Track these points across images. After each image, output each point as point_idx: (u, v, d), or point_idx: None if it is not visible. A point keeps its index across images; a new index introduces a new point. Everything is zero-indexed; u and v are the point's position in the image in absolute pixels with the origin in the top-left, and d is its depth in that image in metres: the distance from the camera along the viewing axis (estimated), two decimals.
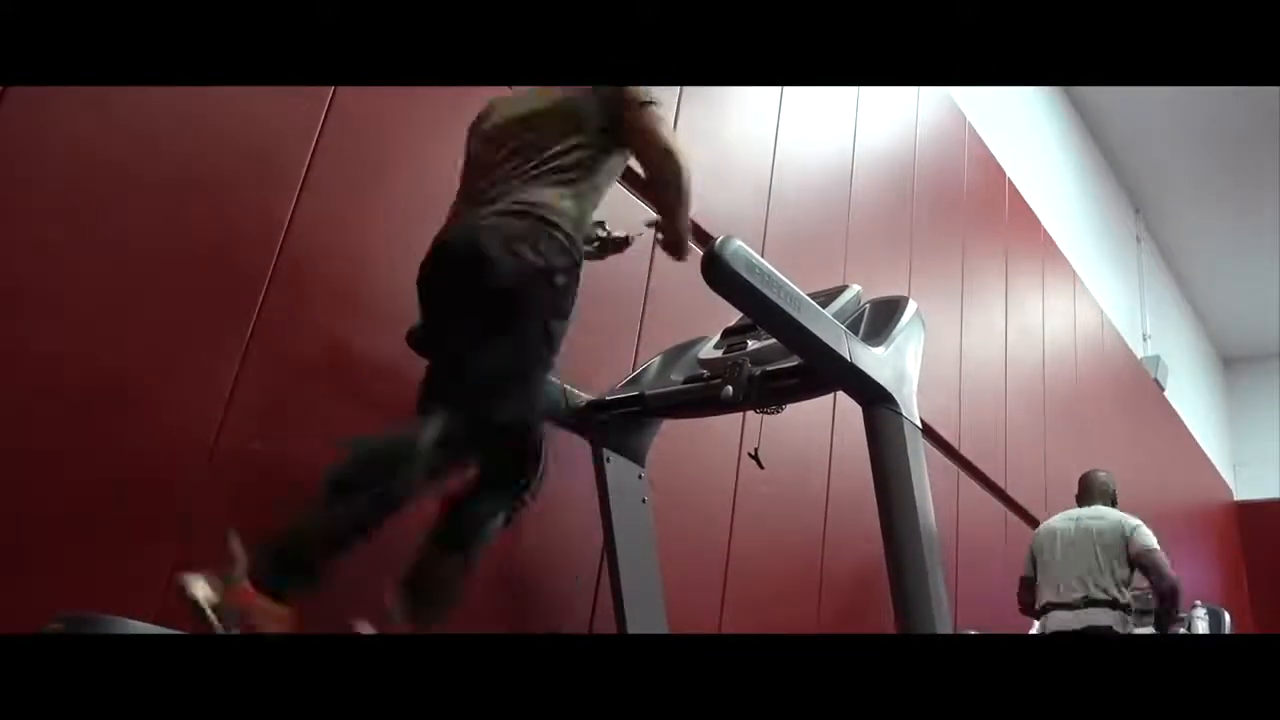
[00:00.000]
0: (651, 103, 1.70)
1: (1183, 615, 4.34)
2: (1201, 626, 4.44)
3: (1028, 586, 3.45)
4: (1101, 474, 3.63)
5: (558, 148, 1.68)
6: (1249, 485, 8.70)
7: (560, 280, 1.61)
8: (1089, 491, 3.57)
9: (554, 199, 1.64)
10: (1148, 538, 3.24)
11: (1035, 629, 3.32)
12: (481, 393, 1.57)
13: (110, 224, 1.55)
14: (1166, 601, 3.19)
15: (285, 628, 1.29)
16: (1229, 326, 9.15)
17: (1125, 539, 3.23)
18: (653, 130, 1.69)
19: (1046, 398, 4.80)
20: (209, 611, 1.23)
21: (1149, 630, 3.99)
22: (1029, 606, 3.44)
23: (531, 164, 1.67)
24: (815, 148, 3.34)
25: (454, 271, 1.62)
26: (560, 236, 1.62)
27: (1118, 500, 3.54)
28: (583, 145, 1.70)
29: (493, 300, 1.58)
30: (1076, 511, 3.49)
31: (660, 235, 1.81)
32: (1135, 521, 3.30)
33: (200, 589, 1.24)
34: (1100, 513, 3.40)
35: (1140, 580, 3.27)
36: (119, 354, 1.53)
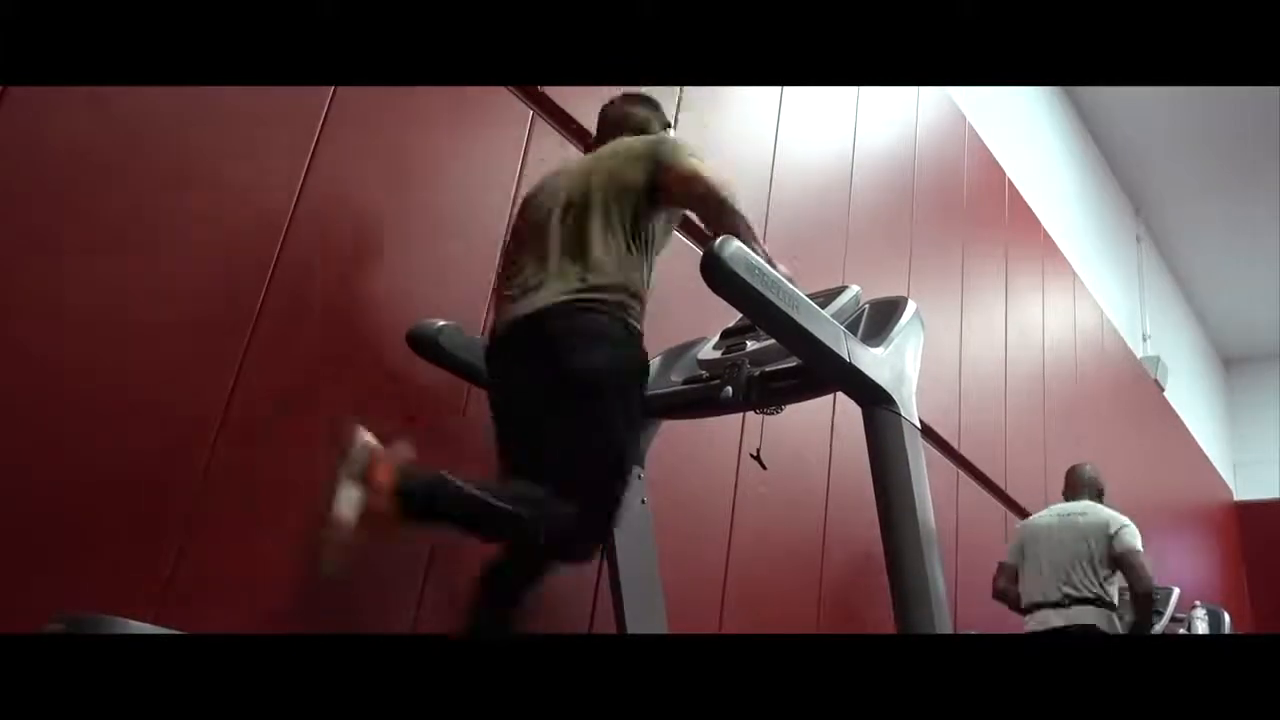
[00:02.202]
0: (692, 158, 1.69)
1: (1181, 617, 4.35)
2: (1201, 627, 4.44)
3: (1005, 572, 3.43)
4: (1088, 467, 3.60)
5: (613, 221, 1.68)
6: (1249, 485, 8.70)
7: (636, 367, 1.65)
8: (1075, 486, 3.54)
9: (617, 274, 1.65)
10: (1133, 538, 3.22)
11: (1026, 627, 3.31)
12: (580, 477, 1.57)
13: (110, 224, 1.55)
14: (1141, 604, 3.18)
15: (378, 526, 1.33)
16: (1229, 326, 9.16)
17: (1110, 537, 3.22)
18: (701, 191, 1.67)
19: (1046, 398, 4.80)
20: (358, 450, 1.31)
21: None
22: (1003, 593, 3.42)
23: (589, 240, 1.67)
24: (815, 148, 3.35)
25: (528, 355, 1.63)
26: (632, 318, 1.65)
27: (1104, 493, 3.51)
28: (634, 214, 1.69)
29: (577, 388, 1.58)
30: (1064, 507, 3.46)
31: None
32: (1122, 519, 3.29)
33: (366, 437, 1.33)
34: (1087, 508, 3.38)
35: (1123, 580, 3.27)
36: (119, 354, 1.53)
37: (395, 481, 1.34)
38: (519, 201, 1.92)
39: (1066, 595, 3.16)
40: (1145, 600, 3.18)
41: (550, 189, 1.81)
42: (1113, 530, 3.23)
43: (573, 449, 1.58)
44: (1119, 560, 3.19)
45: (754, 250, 1.58)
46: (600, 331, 1.60)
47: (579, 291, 1.61)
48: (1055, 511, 3.45)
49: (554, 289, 1.63)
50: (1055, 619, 3.15)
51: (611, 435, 1.60)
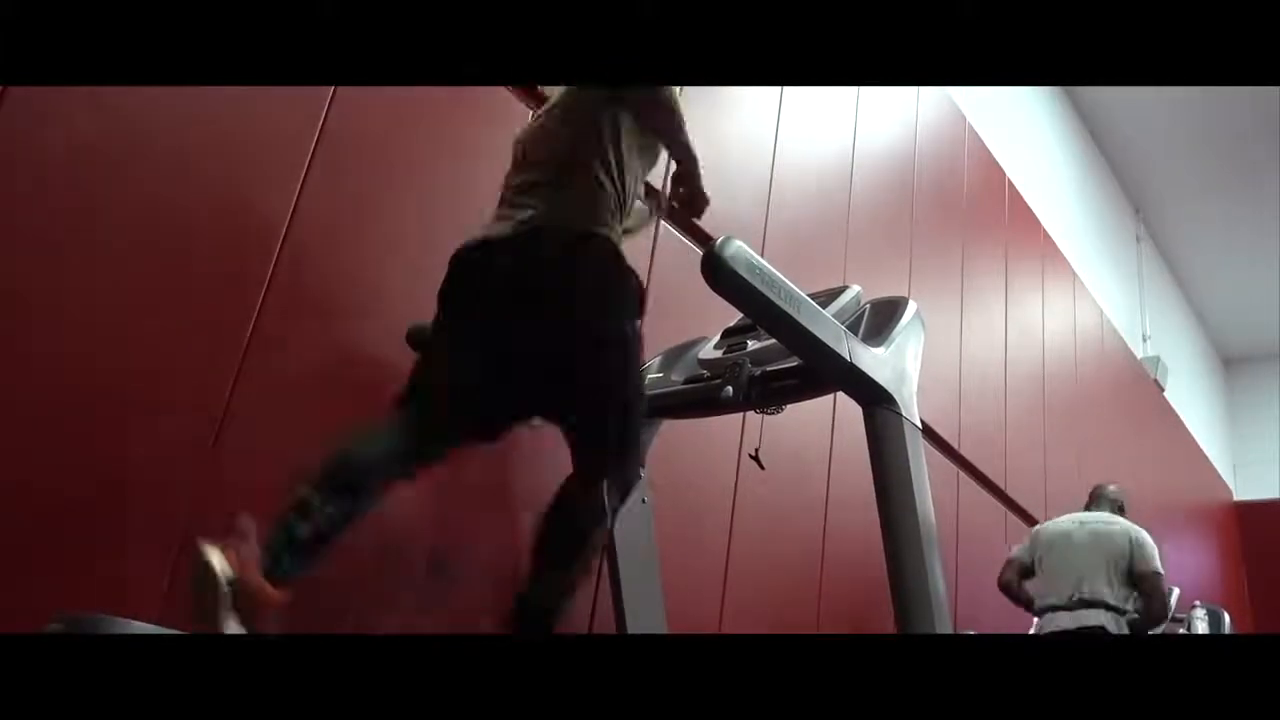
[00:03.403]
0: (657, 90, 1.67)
1: (1181, 617, 4.35)
2: (1201, 627, 4.44)
3: (1014, 566, 3.45)
4: (1113, 487, 3.62)
5: (596, 149, 1.68)
6: (1249, 485, 8.70)
7: (634, 282, 1.65)
8: (1097, 499, 3.57)
9: (602, 201, 1.65)
10: (1155, 559, 3.23)
11: (1034, 629, 3.32)
12: (602, 397, 1.60)
13: (110, 224, 1.55)
14: (1151, 624, 3.21)
15: (277, 611, 1.29)
16: (1229, 326, 9.15)
17: (1132, 551, 3.22)
18: (658, 98, 1.65)
19: (1046, 398, 4.79)
20: (224, 583, 1.23)
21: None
22: (1008, 585, 3.43)
23: (575, 165, 1.67)
24: (815, 148, 3.34)
25: (515, 271, 1.61)
26: (615, 236, 1.65)
27: (1125, 511, 3.52)
28: (616, 143, 1.69)
29: (584, 300, 1.59)
30: (1083, 515, 3.48)
31: (679, 191, 1.74)
32: (1144, 536, 3.29)
33: (217, 558, 1.25)
34: (1109, 519, 3.40)
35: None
36: (119, 354, 1.53)
37: (270, 574, 1.29)
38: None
39: (1078, 599, 3.17)
40: (1159, 622, 3.20)
41: (534, 126, 1.84)
42: (1137, 546, 3.23)
43: (610, 398, 1.61)
44: (1140, 579, 3.19)
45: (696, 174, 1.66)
46: (608, 268, 1.62)
47: (568, 216, 1.62)
48: (1076, 518, 3.46)
49: (537, 212, 1.63)
50: (1065, 620, 3.16)
51: (638, 380, 1.68)
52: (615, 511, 1.65)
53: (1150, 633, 3.20)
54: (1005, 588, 3.45)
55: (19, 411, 1.41)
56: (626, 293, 1.64)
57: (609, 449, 1.63)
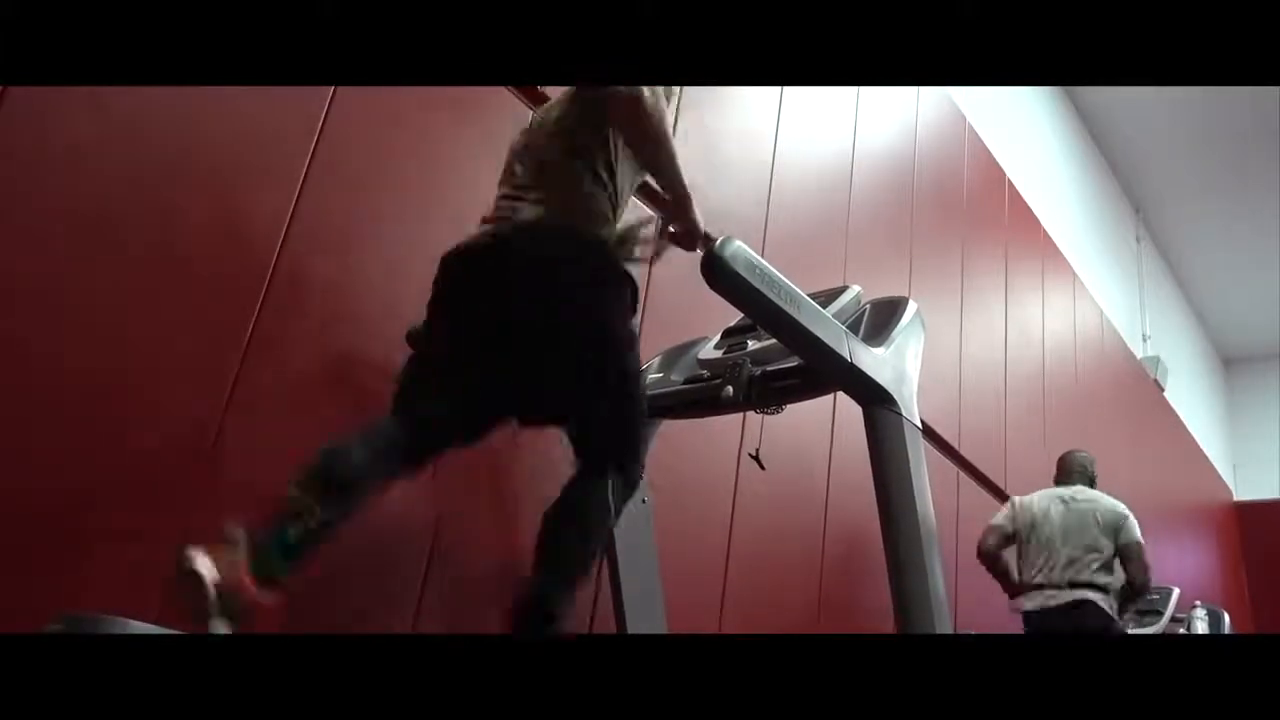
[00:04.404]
0: (637, 95, 1.63)
1: (1181, 617, 4.36)
2: (1201, 627, 4.45)
3: (996, 533, 3.42)
4: (1081, 454, 3.64)
5: (589, 152, 1.68)
6: (1249, 485, 8.71)
7: (625, 279, 1.64)
8: (1069, 471, 3.57)
9: (596, 203, 1.65)
10: (1137, 530, 3.30)
11: (1021, 604, 3.32)
12: (597, 391, 1.59)
13: (110, 224, 1.55)
14: (1137, 592, 3.27)
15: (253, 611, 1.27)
16: (1229, 327, 9.16)
17: (1118, 526, 3.28)
18: (638, 115, 1.61)
19: (1046, 398, 4.80)
20: (211, 589, 1.22)
21: (1151, 628, 4.02)
22: (991, 553, 3.40)
23: (570, 167, 1.67)
24: (815, 148, 3.35)
25: (515, 268, 1.60)
26: (607, 235, 1.65)
27: (1095, 481, 3.56)
28: (608, 146, 1.69)
29: (574, 298, 1.59)
30: (1063, 491, 3.47)
31: (671, 228, 1.72)
32: (1127, 510, 3.36)
33: (204, 564, 1.24)
34: (1091, 495, 3.41)
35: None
36: (119, 354, 1.53)
37: (258, 576, 1.27)
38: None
39: (1069, 581, 3.20)
40: (1144, 590, 3.27)
41: (534, 122, 1.84)
42: (1118, 520, 3.29)
43: (609, 396, 1.61)
44: (1123, 550, 3.25)
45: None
46: (598, 266, 1.62)
47: (557, 213, 1.62)
48: (1055, 495, 3.45)
49: (528, 212, 1.63)
50: (1053, 599, 3.19)
51: (636, 376, 1.67)
52: (620, 509, 1.64)
53: (1135, 597, 3.30)
54: (986, 555, 3.40)
55: (19, 411, 1.41)
56: (616, 290, 1.63)
57: (609, 447, 1.63)
